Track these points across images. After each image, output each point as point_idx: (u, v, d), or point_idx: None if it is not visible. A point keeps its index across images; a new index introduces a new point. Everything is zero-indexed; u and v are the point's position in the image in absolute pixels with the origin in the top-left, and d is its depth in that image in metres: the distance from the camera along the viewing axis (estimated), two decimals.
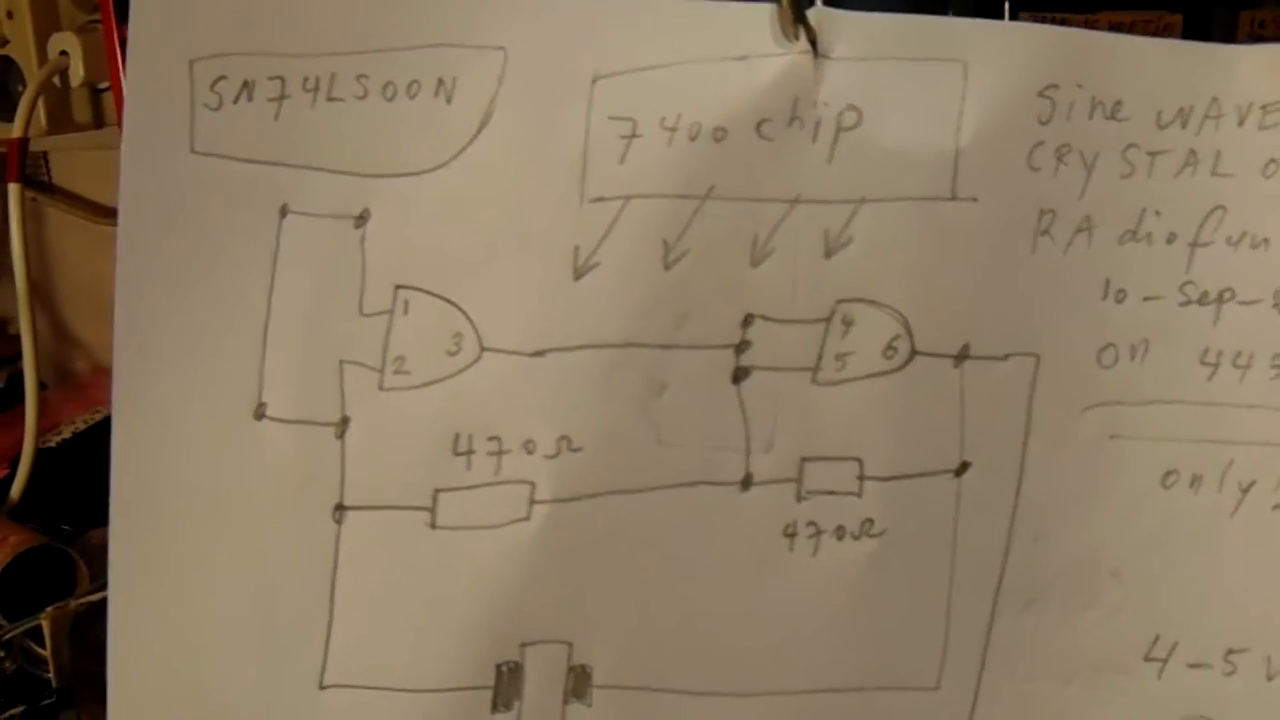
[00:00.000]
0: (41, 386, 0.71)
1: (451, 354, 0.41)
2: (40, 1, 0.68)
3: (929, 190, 0.41)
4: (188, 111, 0.41)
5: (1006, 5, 0.58)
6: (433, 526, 0.41)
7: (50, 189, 0.83)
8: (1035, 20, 0.57)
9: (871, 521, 0.42)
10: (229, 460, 0.42)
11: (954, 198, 0.41)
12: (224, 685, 0.42)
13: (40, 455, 0.69)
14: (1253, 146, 0.42)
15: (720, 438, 0.41)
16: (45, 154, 0.81)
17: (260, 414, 0.42)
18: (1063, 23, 0.58)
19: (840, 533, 0.42)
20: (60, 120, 0.70)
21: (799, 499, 0.41)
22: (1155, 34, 0.57)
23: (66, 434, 0.74)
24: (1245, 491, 0.42)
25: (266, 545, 0.42)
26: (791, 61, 0.41)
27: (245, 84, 0.41)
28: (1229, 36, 0.58)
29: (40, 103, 0.68)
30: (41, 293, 0.83)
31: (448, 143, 0.41)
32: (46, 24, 0.68)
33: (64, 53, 0.66)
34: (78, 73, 0.66)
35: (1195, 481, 0.42)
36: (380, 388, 0.42)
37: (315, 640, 0.42)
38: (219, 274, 0.42)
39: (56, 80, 0.67)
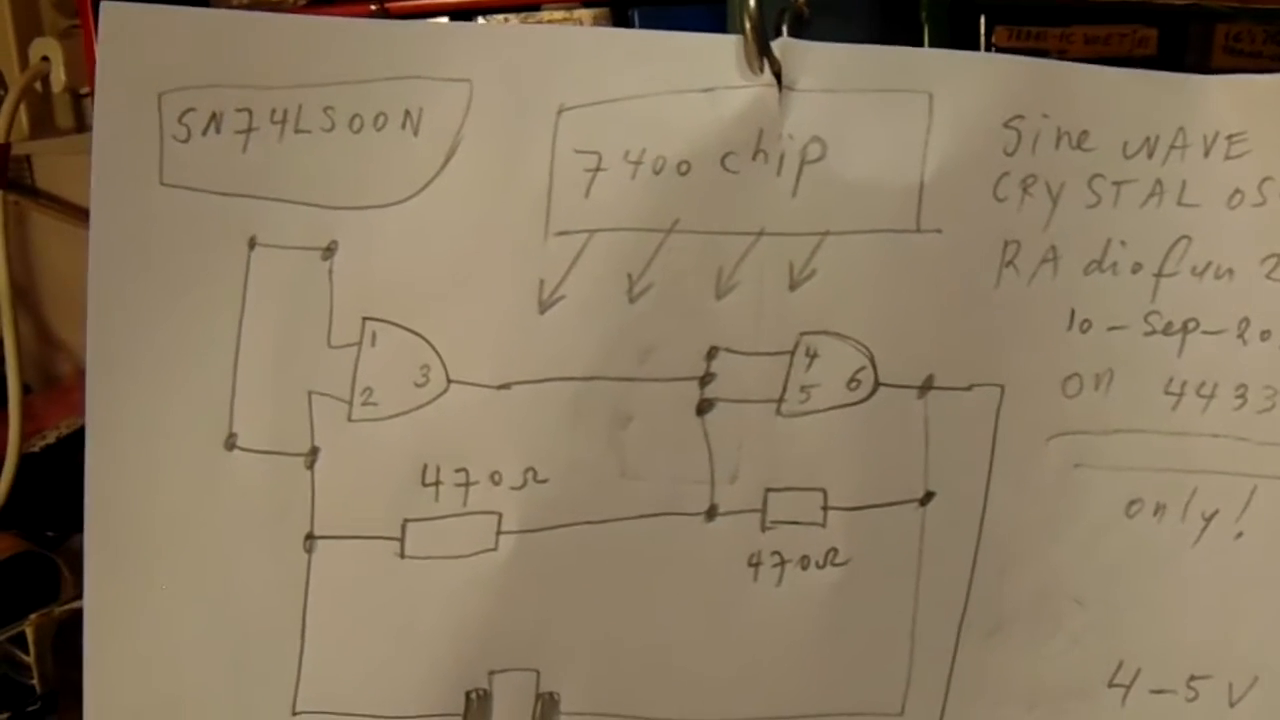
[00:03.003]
0: (25, 390, 0.71)
1: (419, 385, 0.41)
2: (21, 7, 0.68)
3: (893, 222, 0.41)
4: (157, 144, 0.41)
5: (982, 21, 0.58)
6: (402, 556, 0.42)
7: (34, 192, 0.83)
8: (1011, 35, 0.58)
9: (836, 551, 0.42)
10: (201, 490, 0.42)
11: (919, 230, 0.41)
12: (199, 713, 0.43)
13: (24, 460, 0.69)
14: (1218, 177, 0.42)
15: (685, 469, 0.41)
16: (28, 157, 0.81)
17: (231, 444, 0.42)
18: (1039, 38, 0.58)
19: (805, 562, 0.42)
20: (42, 125, 0.70)
21: (763, 529, 0.42)
22: (1131, 48, 0.57)
23: (51, 439, 0.74)
24: (1208, 520, 0.43)
25: (238, 573, 0.42)
26: (756, 94, 0.41)
27: (213, 116, 0.41)
28: (1205, 51, 0.58)
29: (22, 108, 0.68)
30: (25, 296, 0.83)
31: (414, 175, 0.41)
32: (27, 29, 0.68)
33: (45, 58, 0.66)
34: (59, 78, 0.66)
35: (1159, 510, 0.43)
36: (349, 419, 0.42)
37: (287, 667, 0.42)
38: (189, 306, 0.42)
39: (38, 85, 0.67)
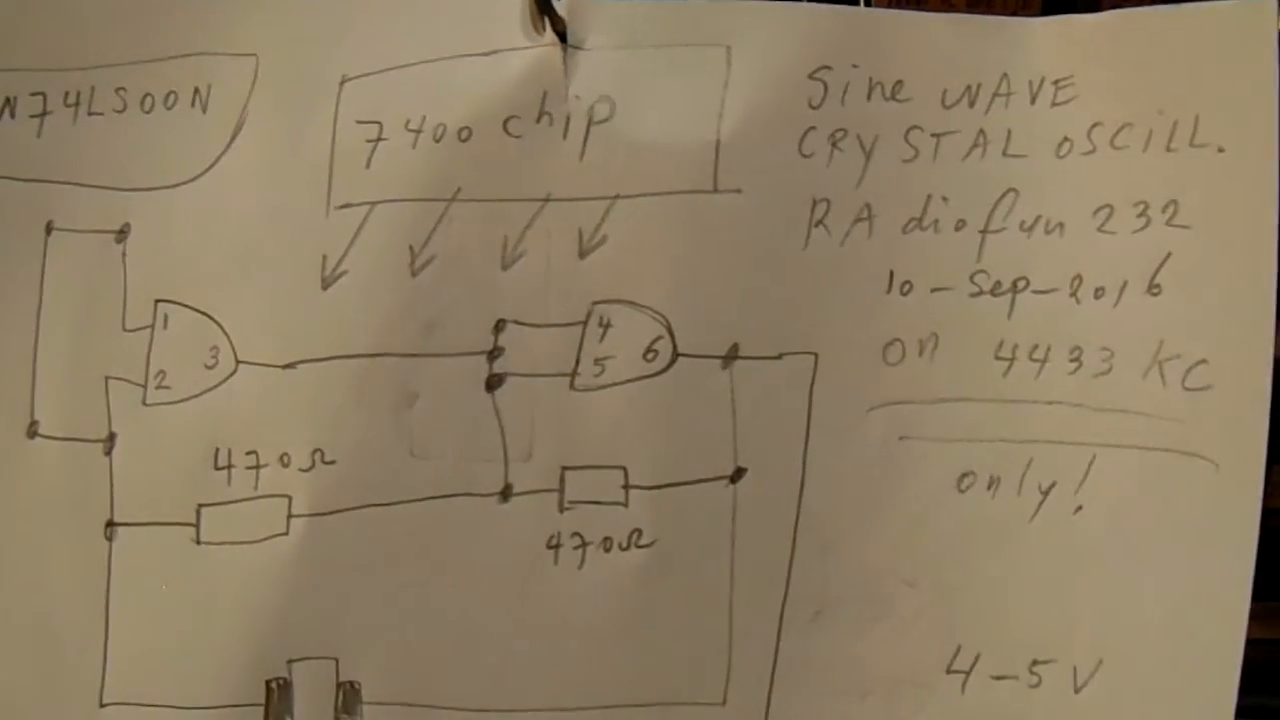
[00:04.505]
0: None
1: (209, 367, 0.41)
2: None
3: (689, 183, 0.39)
4: None
5: None
6: (198, 542, 0.41)
7: None
8: None
9: (640, 532, 0.40)
10: (4, 479, 0.42)
11: (716, 190, 0.39)
12: (6, 704, 0.42)
13: None
14: (1045, 124, 0.39)
15: (477, 448, 0.40)
16: None
17: (33, 432, 0.42)
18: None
19: (607, 544, 0.40)
20: None
21: (561, 509, 0.40)
22: (1015, 9, 0.54)
23: None
24: (1045, 494, 0.40)
25: (43, 563, 0.42)
26: (539, 54, 0.39)
27: (7, 101, 0.41)
28: (1092, 6, 0.55)
29: None
30: None
31: (202, 154, 0.41)
32: None
33: None
34: None
35: (993, 484, 0.40)
36: (144, 403, 0.41)
37: (93, 658, 0.42)
38: None
39: None
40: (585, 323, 0.39)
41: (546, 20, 0.39)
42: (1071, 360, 0.39)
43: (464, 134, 0.39)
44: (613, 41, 0.39)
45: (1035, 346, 0.39)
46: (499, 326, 0.39)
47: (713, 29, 0.39)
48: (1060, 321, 0.39)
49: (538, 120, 0.39)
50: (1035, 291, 0.39)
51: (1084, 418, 0.39)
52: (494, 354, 0.40)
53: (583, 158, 0.39)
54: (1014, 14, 0.55)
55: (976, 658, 0.40)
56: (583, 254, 0.39)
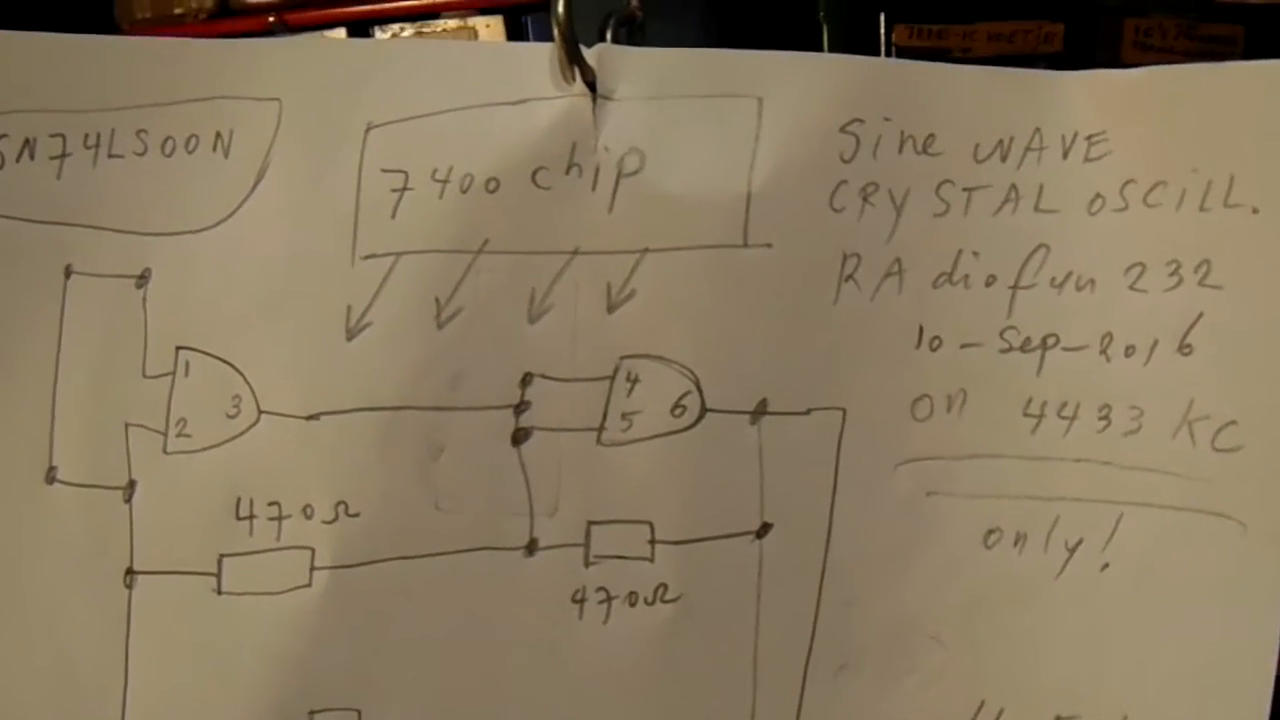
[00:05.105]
0: None
1: (231, 416, 0.40)
2: None
3: (719, 237, 0.39)
4: None
5: (882, 19, 0.55)
6: (219, 592, 0.40)
7: None
8: (911, 34, 0.55)
9: (666, 586, 0.40)
10: (21, 525, 0.41)
11: (746, 244, 0.39)
12: None
13: None
14: (1077, 180, 0.39)
15: (502, 501, 0.39)
16: None
17: (51, 478, 0.41)
18: (940, 35, 0.55)
19: (633, 599, 0.40)
20: None
21: (587, 564, 0.40)
22: (1037, 44, 0.54)
23: None
24: (1072, 551, 0.39)
25: (61, 611, 0.41)
26: (568, 104, 0.39)
27: (26, 142, 0.41)
28: (1114, 46, 0.54)
29: None
30: None
31: (225, 199, 0.40)
32: None
33: None
34: None
35: (1019, 540, 0.40)
36: (164, 451, 0.41)
37: (112, 705, 0.41)
38: (6, 336, 0.41)
39: None
40: (613, 377, 0.39)
41: (576, 70, 0.38)
42: (1100, 418, 0.39)
43: (491, 185, 0.38)
44: (643, 92, 0.39)
45: (1064, 404, 0.39)
46: (526, 380, 0.39)
47: (744, 80, 0.39)
48: (1090, 379, 0.39)
49: (567, 172, 0.38)
50: (1065, 348, 0.39)
51: (1112, 476, 0.39)
52: (520, 408, 0.39)
53: (612, 210, 0.38)
54: (1035, 50, 0.55)
55: (1000, 712, 0.40)
56: (611, 308, 0.39)
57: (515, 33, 0.58)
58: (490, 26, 0.57)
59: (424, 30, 0.55)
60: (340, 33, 0.54)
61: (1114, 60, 0.51)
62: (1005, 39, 0.49)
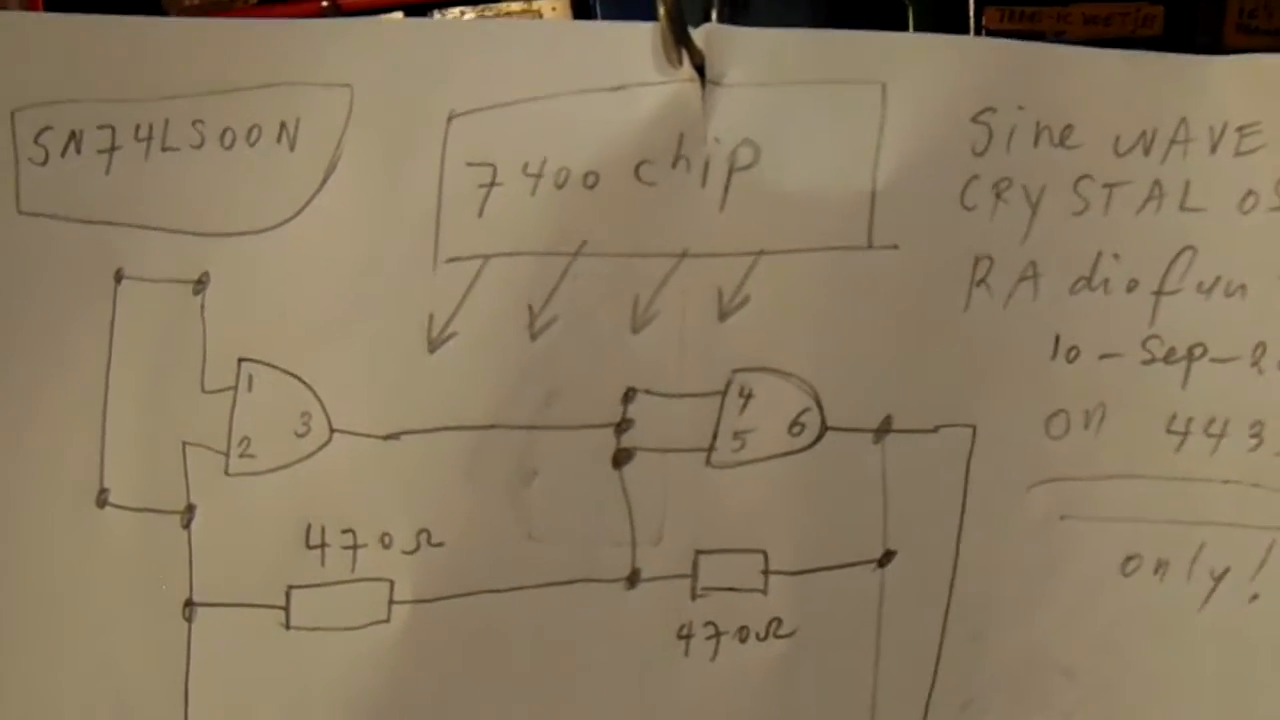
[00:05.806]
0: None
1: (300, 435, 0.36)
2: None
3: (840, 238, 0.35)
4: (12, 168, 0.37)
5: (971, 1, 0.52)
6: (287, 627, 0.37)
7: None
8: (1003, 16, 0.51)
9: (780, 621, 0.36)
10: (71, 552, 0.38)
11: (871, 246, 0.35)
12: None
13: None
14: (1227, 176, 0.36)
15: (601, 530, 0.36)
16: None
17: (103, 501, 0.38)
18: (1033, 18, 0.51)
19: (743, 634, 0.37)
20: None
21: (694, 597, 0.36)
22: (1134, 28, 0.50)
23: None
24: (1217, 580, 0.37)
25: (115, 644, 0.38)
26: (675, 91, 0.35)
27: (73, 135, 0.37)
28: (1216, 29, 0.51)
29: None
30: None
31: (291, 195, 0.36)
32: None
33: None
34: None
35: (1160, 568, 0.37)
36: (226, 472, 0.37)
37: None
38: (53, 346, 0.38)
39: None
40: (724, 392, 0.36)
41: (683, 52, 0.35)
42: (1252, 436, 0.36)
43: (590, 180, 0.35)
44: (756, 77, 0.35)
45: (1211, 420, 0.36)
46: (628, 396, 0.36)
47: (867, 63, 0.35)
48: (1240, 393, 0.36)
49: (673, 165, 0.35)
50: (1213, 360, 0.36)
51: (1263, 499, 0.36)
52: (622, 426, 0.36)
53: (723, 208, 0.35)
54: (1133, 33, 0.51)
55: None
56: (722, 316, 0.35)
57: (582, 14, 0.54)
58: (556, 9, 0.53)
59: (486, 13, 0.51)
60: (398, 17, 0.50)
61: (1216, 44, 0.47)
62: (1101, 21, 0.46)
